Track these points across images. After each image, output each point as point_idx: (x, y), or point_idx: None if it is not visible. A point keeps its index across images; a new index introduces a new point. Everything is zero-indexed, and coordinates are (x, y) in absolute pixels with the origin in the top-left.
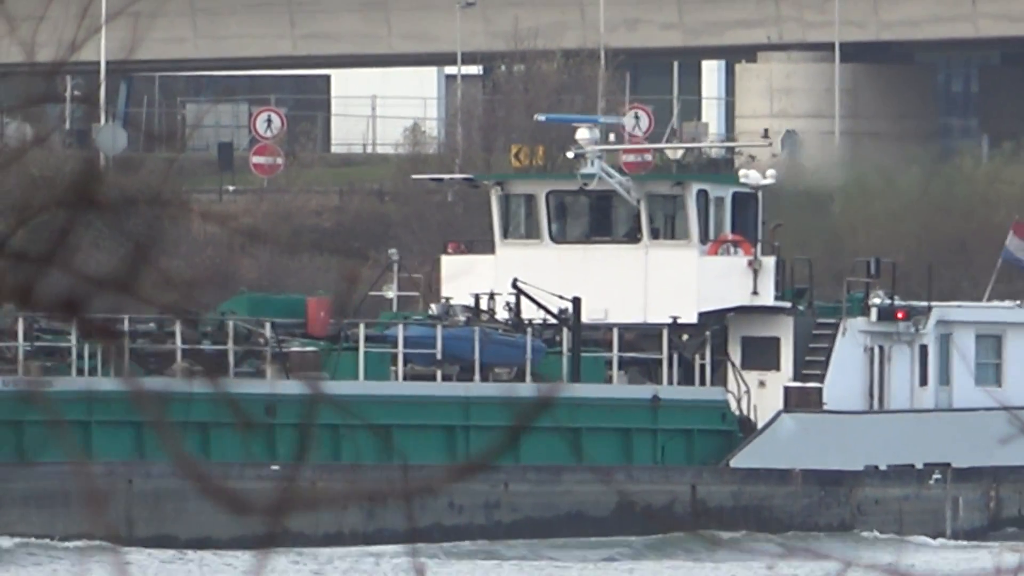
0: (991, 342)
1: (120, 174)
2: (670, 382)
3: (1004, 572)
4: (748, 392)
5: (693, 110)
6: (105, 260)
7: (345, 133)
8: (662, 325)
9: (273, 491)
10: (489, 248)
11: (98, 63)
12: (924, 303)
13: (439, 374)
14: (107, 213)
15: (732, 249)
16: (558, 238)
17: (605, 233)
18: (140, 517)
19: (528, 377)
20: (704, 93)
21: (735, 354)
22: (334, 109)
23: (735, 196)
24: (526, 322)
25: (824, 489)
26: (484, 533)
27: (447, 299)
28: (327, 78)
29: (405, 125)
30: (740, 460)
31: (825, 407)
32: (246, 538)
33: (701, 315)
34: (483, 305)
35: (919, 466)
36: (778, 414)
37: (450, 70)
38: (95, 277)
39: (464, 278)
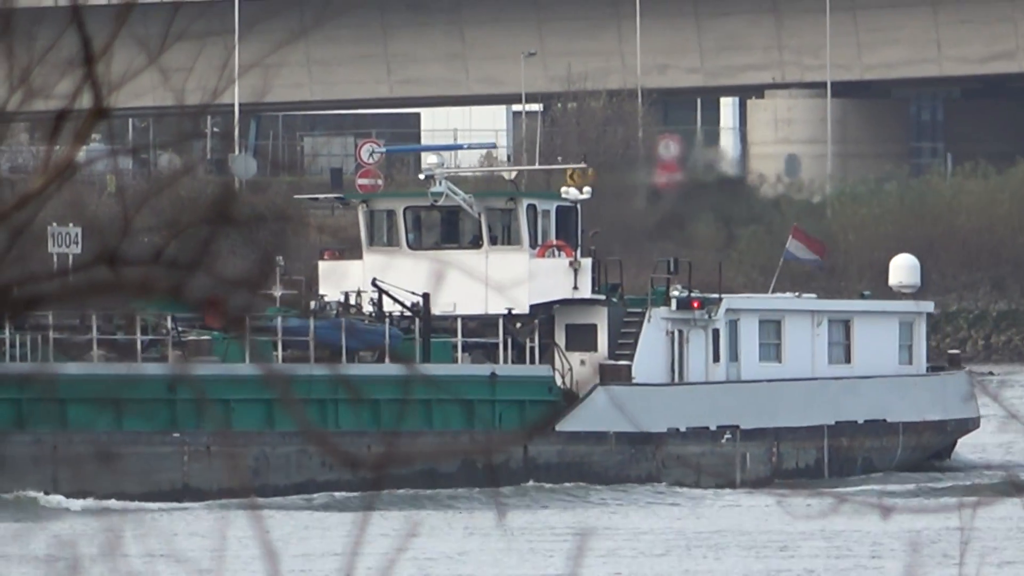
0: (772, 326)
1: (251, 195)
2: (506, 361)
3: (965, 506)
4: (571, 369)
5: (713, 138)
6: (240, 265)
7: (432, 159)
8: (499, 315)
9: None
10: (358, 255)
11: (233, 105)
12: (716, 295)
13: (312, 357)
14: (241, 227)
15: (556, 252)
16: (414, 245)
17: (453, 241)
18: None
19: (387, 359)
20: (722, 124)
21: (560, 338)
22: (423, 140)
23: (558, 209)
24: (386, 314)
25: (634, 448)
26: (351, 487)
27: (322, 296)
28: (418, 115)
29: (481, 153)
30: (564, 425)
31: (634, 381)
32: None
33: (532, 307)
34: (352, 301)
35: (713, 428)
36: (595, 387)
37: (516, 107)
38: (232, 279)
39: (337, 279)
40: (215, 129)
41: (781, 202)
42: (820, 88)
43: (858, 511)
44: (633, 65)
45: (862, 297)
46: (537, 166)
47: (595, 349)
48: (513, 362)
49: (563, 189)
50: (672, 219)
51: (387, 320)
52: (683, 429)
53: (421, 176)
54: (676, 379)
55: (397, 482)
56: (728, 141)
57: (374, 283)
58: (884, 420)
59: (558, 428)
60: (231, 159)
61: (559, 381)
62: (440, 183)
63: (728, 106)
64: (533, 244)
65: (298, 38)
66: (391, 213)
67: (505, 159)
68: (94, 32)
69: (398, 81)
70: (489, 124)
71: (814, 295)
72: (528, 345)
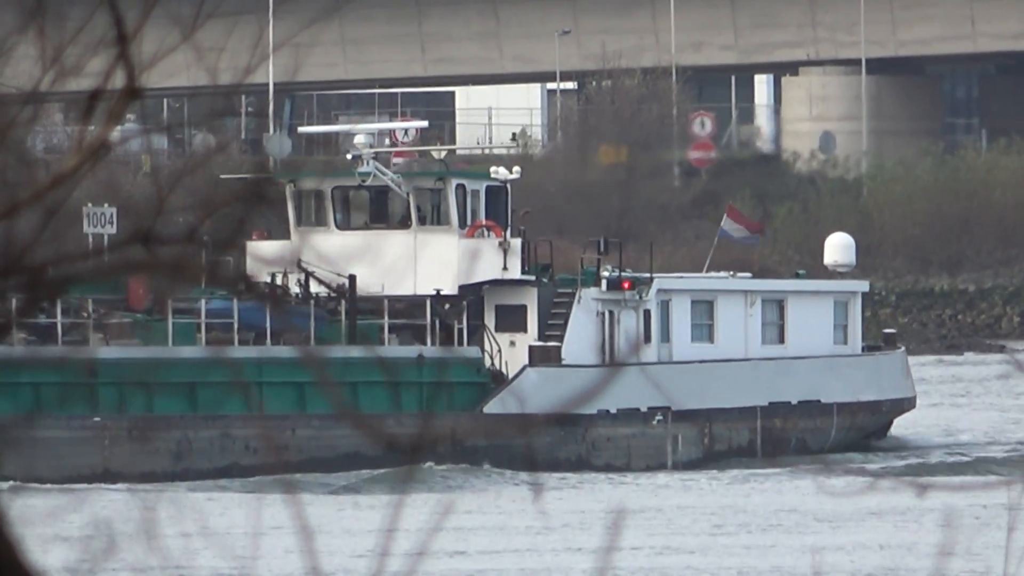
0: (704, 307)
1: (286, 174)
2: (434, 343)
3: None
4: (500, 351)
5: (748, 115)
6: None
7: (467, 137)
8: (427, 296)
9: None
10: (286, 235)
11: (267, 84)
12: (647, 274)
13: (236, 339)
14: (276, 206)
15: (486, 233)
16: (342, 226)
17: (381, 221)
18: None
19: (312, 341)
20: (756, 101)
21: (489, 319)
22: (458, 119)
23: (488, 189)
24: (313, 295)
25: (563, 430)
26: (275, 470)
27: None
28: (452, 94)
29: (515, 131)
30: (492, 407)
31: (563, 362)
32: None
33: (461, 288)
34: (279, 282)
35: (644, 410)
36: (524, 368)
37: (551, 86)
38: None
39: (264, 259)
40: (249, 108)
41: (816, 179)
42: (854, 65)
43: (894, 489)
44: (667, 43)
45: (797, 276)
46: (459, 147)
47: (525, 330)
48: (442, 343)
49: (493, 169)
50: (707, 196)
51: (312, 301)
52: (613, 411)
53: (348, 156)
54: (606, 360)
55: (324, 465)
56: (763, 118)
57: (299, 264)
58: (818, 401)
59: (486, 410)
60: (266, 138)
61: (488, 363)
62: (368, 163)
63: (762, 83)
64: (462, 224)
65: (332, 16)
66: (319, 193)
67: (540, 137)
68: (126, 11)
69: (432, 60)
70: (524, 103)
71: (749, 274)
72: (457, 326)
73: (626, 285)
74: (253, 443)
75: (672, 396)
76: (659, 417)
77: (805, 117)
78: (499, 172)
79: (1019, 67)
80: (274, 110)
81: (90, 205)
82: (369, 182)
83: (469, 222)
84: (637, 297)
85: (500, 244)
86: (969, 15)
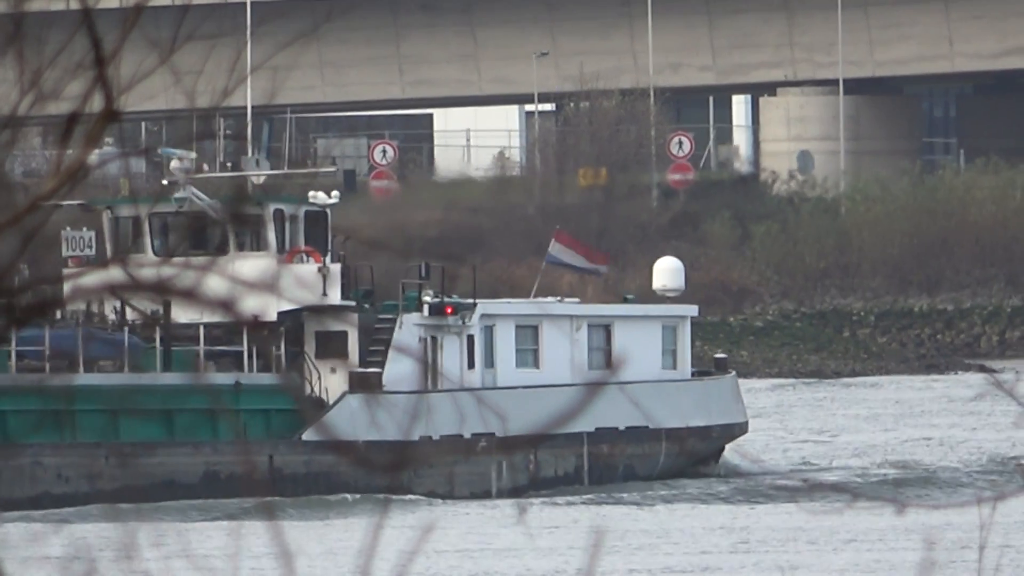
0: (529, 331)
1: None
2: (251, 370)
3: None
4: (320, 377)
5: (726, 136)
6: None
7: (446, 160)
8: (245, 323)
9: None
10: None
11: (245, 107)
12: (471, 300)
13: (48, 367)
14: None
15: (305, 258)
16: (160, 252)
17: (200, 247)
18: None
19: (127, 368)
20: (734, 122)
21: (309, 346)
22: (436, 141)
23: (307, 214)
24: (128, 322)
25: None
26: (88, 499)
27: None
28: (430, 116)
29: (493, 153)
30: (311, 434)
31: (385, 388)
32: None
33: (279, 314)
34: (95, 309)
35: (467, 436)
36: (343, 395)
37: (529, 107)
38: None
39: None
40: (227, 131)
41: (795, 199)
42: (832, 85)
43: (872, 508)
44: (645, 64)
45: (625, 301)
46: (286, 170)
47: (346, 356)
48: (260, 370)
49: (311, 193)
50: (685, 217)
51: (127, 329)
52: (436, 438)
53: (164, 182)
54: (429, 387)
55: (136, 495)
56: (741, 139)
57: (114, 290)
58: (646, 427)
59: (304, 437)
60: (244, 161)
61: (307, 390)
62: (184, 188)
63: (740, 104)
64: (281, 249)
65: (310, 39)
66: (136, 220)
67: (518, 159)
68: (104, 34)
69: (410, 82)
70: (502, 124)
71: (577, 299)
72: (275, 353)
73: (449, 310)
74: (64, 472)
75: (507, 421)
76: (483, 443)
77: (783, 137)
78: (318, 197)
79: (997, 86)
80: (252, 133)
81: (68, 229)
82: (186, 208)
83: (288, 247)
84: (460, 322)
85: (319, 270)
86: (947, 35)
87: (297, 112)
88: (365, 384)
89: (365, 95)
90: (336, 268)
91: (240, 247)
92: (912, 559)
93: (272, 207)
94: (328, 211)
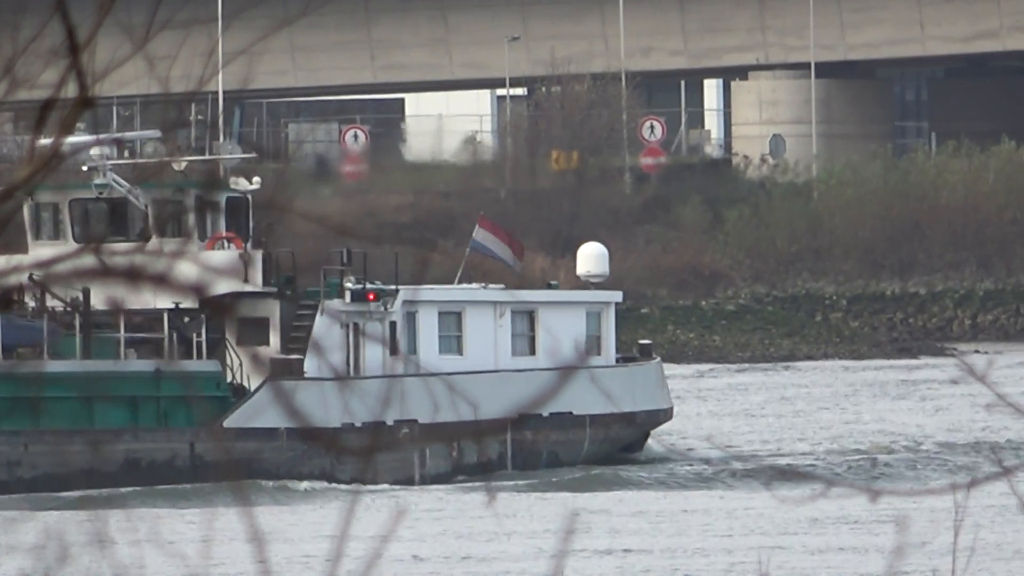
0: (452, 318)
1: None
2: (172, 357)
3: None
4: (242, 364)
5: (697, 120)
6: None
7: (417, 145)
8: (166, 310)
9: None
10: (24, 249)
11: (217, 93)
12: (393, 286)
13: None
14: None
15: (226, 244)
16: (80, 239)
17: (121, 233)
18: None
19: (46, 355)
20: (706, 106)
21: (231, 333)
22: (408, 125)
23: (228, 200)
24: (48, 310)
25: (306, 444)
26: (4, 489)
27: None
28: (402, 100)
29: (465, 137)
30: (232, 421)
31: (306, 375)
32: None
33: (201, 300)
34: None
35: (390, 423)
36: (265, 381)
37: (500, 92)
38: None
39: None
40: (199, 117)
41: (767, 183)
42: (804, 69)
43: (846, 495)
44: (616, 48)
45: (549, 287)
46: (206, 155)
47: (267, 343)
48: (181, 357)
49: (232, 179)
50: (658, 201)
51: (46, 315)
52: (358, 424)
53: (84, 167)
54: (352, 373)
55: (58, 483)
56: (712, 123)
57: (31, 278)
58: (570, 413)
59: (226, 424)
60: (216, 147)
61: (228, 377)
62: (105, 174)
63: (712, 88)
64: (203, 236)
65: (282, 25)
66: (56, 206)
67: (490, 144)
68: (78, 21)
69: (382, 67)
70: (474, 109)
71: (502, 285)
72: (196, 340)
73: (371, 297)
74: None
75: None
76: (406, 430)
77: (755, 121)
78: (239, 183)
79: (968, 70)
80: (223, 118)
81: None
82: (106, 194)
83: (209, 234)
84: (382, 309)
85: (241, 256)
86: (918, 18)
87: (268, 97)
88: (287, 370)
89: (336, 80)
90: (258, 254)
91: (162, 234)
92: (885, 544)
93: (193, 193)
94: (249, 197)
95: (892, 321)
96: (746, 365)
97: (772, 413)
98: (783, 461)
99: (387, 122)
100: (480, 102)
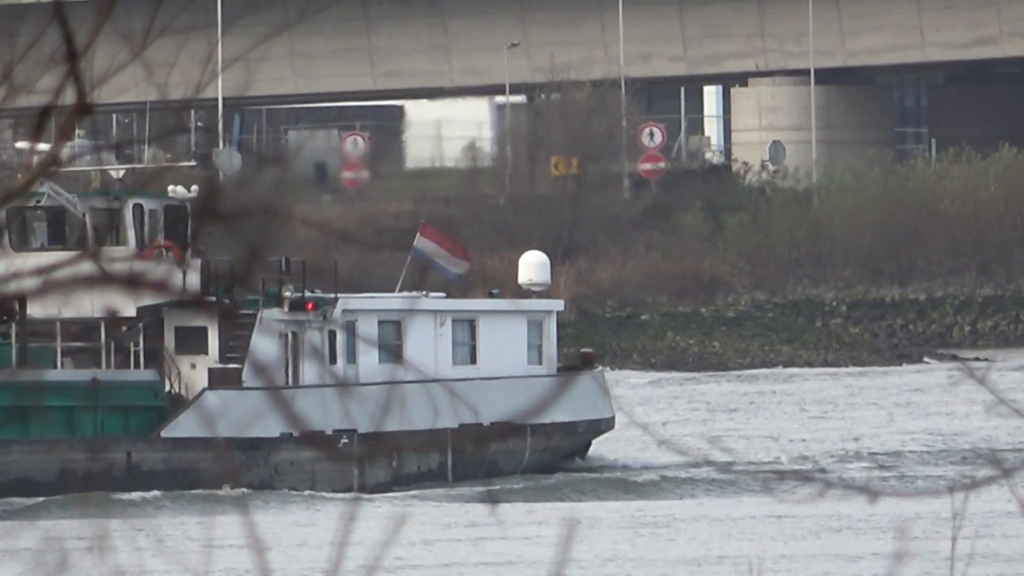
0: (392, 327)
1: (236, 190)
2: (108, 366)
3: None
4: (180, 374)
5: (697, 126)
6: (225, 258)
7: (417, 151)
8: (103, 319)
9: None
10: None
11: (217, 100)
12: (332, 295)
13: None
14: (226, 221)
15: (165, 253)
16: (18, 247)
17: (59, 242)
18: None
19: None
20: (706, 112)
21: (170, 341)
22: (407, 132)
23: (167, 208)
24: None
25: (245, 453)
26: None
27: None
28: (401, 107)
29: (464, 144)
30: (170, 431)
31: (244, 384)
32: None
33: (139, 309)
34: None
35: (329, 432)
36: (203, 391)
37: (500, 98)
38: (217, 272)
39: None
40: (199, 124)
41: (766, 190)
42: (803, 75)
43: (845, 496)
44: (616, 54)
45: (490, 296)
46: (146, 164)
47: (206, 352)
48: (119, 367)
49: (171, 188)
50: (657, 208)
51: None
52: (296, 434)
53: (19, 176)
54: (290, 382)
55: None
56: (712, 129)
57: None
58: (510, 423)
59: (164, 434)
60: (215, 154)
61: (167, 386)
62: (43, 183)
63: (712, 94)
64: (140, 245)
65: (281, 32)
66: None
67: (489, 150)
68: (77, 27)
69: (381, 74)
70: (473, 115)
71: (443, 294)
72: (134, 349)
73: (310, 306)
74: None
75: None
76: (345, 439)
77: (754, 127)
78: (178, 191)
79: (968, 76)
80: (223, 125)
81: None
82: (44, 202)
83: (148, 242)
84: (321, 318)
85: (179, 265)
86: (918, 25)
87: (268, 104)
88: (225, 379)
89: (336, 87)
90: (196, 263)
91: (100, 243)
92: (885, 549)
93: (131, 202)
94: (188, 205)
95: (892, 327)
96: (746, 371)
97: (771, 417)
98: (780, 467)
99: (387, 129)
100: (480, 109)
